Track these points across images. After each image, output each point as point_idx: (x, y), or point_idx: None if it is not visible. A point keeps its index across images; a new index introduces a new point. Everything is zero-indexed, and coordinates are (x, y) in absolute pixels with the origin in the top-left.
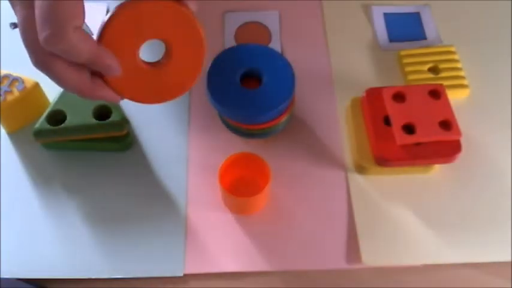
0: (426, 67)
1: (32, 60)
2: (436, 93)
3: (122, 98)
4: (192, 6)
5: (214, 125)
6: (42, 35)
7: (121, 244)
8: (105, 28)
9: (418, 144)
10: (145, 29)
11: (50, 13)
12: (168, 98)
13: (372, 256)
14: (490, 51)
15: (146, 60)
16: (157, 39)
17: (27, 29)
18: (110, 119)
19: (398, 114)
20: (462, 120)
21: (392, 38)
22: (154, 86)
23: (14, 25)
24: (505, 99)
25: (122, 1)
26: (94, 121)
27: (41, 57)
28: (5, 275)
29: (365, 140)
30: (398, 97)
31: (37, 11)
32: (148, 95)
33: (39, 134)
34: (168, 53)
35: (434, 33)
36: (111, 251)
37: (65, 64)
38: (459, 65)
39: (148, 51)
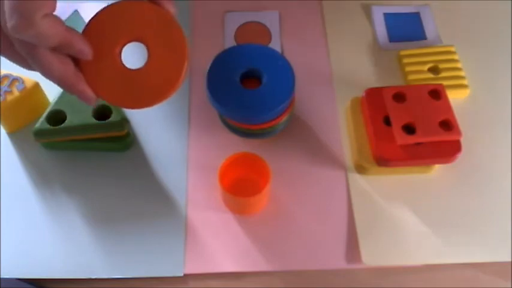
0: (426, 67)
1: (17, 48)
2: (436, 93)
3: (97, 98)
4: (170, 8)
5: (214, 125)
6: (10, 23)
7: (121, 244)
8: (85, 26)
9: (418, 144)
10: (124, 29)
11: (18, 2)
12: (148, 104)
13: (372, 256)
14: (490, 51)
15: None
16: (138, 42)
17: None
18: (110, 119)
19: (398, 114)
20: (462, 120)
21: (392, 38)
22: (133, 90)
23: None
24: (505, 99)
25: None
26: (94, 121)
27: (24, 45)
28: (5, 275)
29: (365, 140)
30: (398, 97)
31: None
32: (126, 98)
33: (39, 134)
34: (148, 57)
35: (434, 33)
36: (111, 251)
37: (48, 51)
38: (459, 65)
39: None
